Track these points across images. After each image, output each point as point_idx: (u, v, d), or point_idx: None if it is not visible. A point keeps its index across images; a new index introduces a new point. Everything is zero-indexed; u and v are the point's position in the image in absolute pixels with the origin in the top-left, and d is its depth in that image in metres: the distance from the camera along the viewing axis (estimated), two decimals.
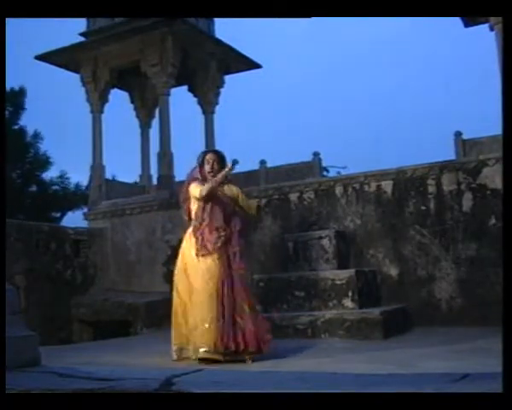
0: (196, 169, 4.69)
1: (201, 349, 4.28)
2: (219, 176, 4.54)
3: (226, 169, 4.53)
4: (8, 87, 15.49)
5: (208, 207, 4.56)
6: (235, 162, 4.53)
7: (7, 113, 15.92)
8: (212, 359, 4.23)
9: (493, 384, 1.97)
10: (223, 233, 4.49)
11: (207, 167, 4.61)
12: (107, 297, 7.64)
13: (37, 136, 16.54)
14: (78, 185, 16.56)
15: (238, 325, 4.33)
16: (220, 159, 4.67)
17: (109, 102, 9.01)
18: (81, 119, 8.98)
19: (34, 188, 16.72)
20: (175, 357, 4.46)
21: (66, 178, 17.09)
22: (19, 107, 16.33)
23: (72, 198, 16.37)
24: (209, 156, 4.67)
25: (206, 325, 4.28)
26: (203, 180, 4.61)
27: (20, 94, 16.44)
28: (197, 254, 4.46)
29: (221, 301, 4.34)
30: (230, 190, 4.67)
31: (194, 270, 4.47)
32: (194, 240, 4.52)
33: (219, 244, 4.46)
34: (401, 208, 6.61)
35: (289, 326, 5.70)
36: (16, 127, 16.16)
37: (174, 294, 4.59)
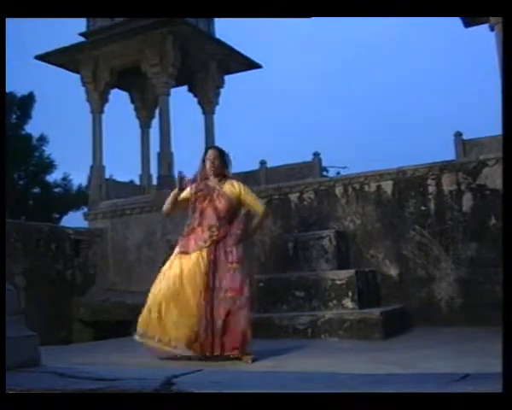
0: (200, 167, 4.64)
1: (179, 347, 4.31)
2: (171, 194, 4.59)
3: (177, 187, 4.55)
4: (11, 90, 15.58)
5: (199, 207, 4.53)
6: (181, 176, 4.53)
7: (14, 117, 16.03)
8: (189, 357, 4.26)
9: (493, 384, 1.97)
10: (216, 232, 4.43)
11: (208, 165, 4.58)
12: (107, 297, 7.64)
13: (42, 139, 16.65)
14: (80, 187, 16.63)
15: (221, 325, 4.27)
16: (221, 155, 4.63)
17: (109, 103, 9.02)
18: (84, 119, 9.00)
19: (37, 190, 16.82)
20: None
21: (69, 180, 17.22)
22: (26, 114, 16.43)
23: (75, 199, 16.44)
24: (209, 154, 4.61)
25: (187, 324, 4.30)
26: (203, 179, 4.60)
27: (29, 100, 16.54)
28: (180, 252, 4.46)
29: (205, 301, 4.30)
30: (231, 187, 4.56)
31: (176, 268, 4.44)
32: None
33: (208, 243, 4.41)
34: (401, 208, 6.61)
35: (289, 326, 5.70)
36: (22, 132, 16.26)
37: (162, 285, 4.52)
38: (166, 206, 4.65)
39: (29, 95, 16.63)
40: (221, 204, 4.50)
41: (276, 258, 6.96)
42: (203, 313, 4.28)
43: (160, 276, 4.51)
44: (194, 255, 4.40)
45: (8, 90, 15.52)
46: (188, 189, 4.60)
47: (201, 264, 4.37)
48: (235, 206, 4.56)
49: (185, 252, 4.43)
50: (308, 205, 7.15)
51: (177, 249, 4.53)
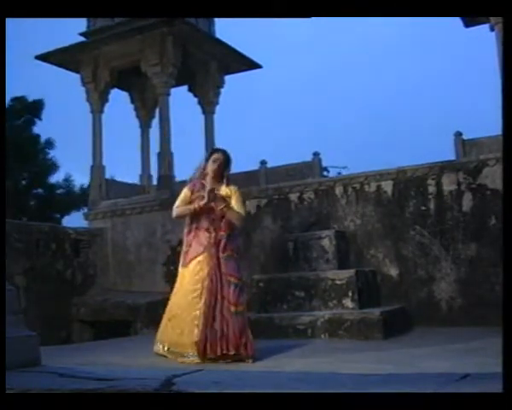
0: (201, 165, 4.66)
1: (184, 353, 4.32)
2: (191, 207, 4.53)
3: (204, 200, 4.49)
4: (13, 92, 15.62)
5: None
6: (211, 194, 4.47)
7: (22, 120, 16.09)
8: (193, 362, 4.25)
9: (493, 384, 1.97)
10: (213, 234, 4.45)
11: (213, 166, 4.57)
12: (107, 297, 7.63)
13: (49, 142, 16.69)
14: (82, 187, 16.63)
15: (222, 329, 4.28)
16: (226, 162, 4.61)
17: (109, 102, 9.01)
18: (84, 119, 8.99)
19: (40, 191, 16.82)
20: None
21: (71, 181, 17.23)
22: (35, 116, 16.48)
23: (77, 200, 16.45)
24: (217, 156, 4.61)
25: (192, 330, 4.32)
26: (201, 177, 4.61)
27: (39, 105, 16.60)
28: (182, 265, 4.55)
29: (207, 305, 4.32)
30: (227, 190, 4.58)
31: (181, 277, 4.58)
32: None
33: (206, 244, 4.44)
34: (401, 209, 6.61)
35: (289, 326, 5.70)
36: (29, 134, 16.29)
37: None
38: (179, 213, 4.64)
39: (39, 100, 16.73)
40: (217, 207, 4.51)
41: (276, 258, 6.96)
42: (207, 320, 4.30)
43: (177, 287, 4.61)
44: (199, 261, 4.45)
45: (12, 93, 15.59)
46: (185, 192, 4.64)
47: (198, 275, 4.42)
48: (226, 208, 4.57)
49: (188, 263, 4.50)
50: (308, 205, 7.15)
51: (181, 261, 4.60)
